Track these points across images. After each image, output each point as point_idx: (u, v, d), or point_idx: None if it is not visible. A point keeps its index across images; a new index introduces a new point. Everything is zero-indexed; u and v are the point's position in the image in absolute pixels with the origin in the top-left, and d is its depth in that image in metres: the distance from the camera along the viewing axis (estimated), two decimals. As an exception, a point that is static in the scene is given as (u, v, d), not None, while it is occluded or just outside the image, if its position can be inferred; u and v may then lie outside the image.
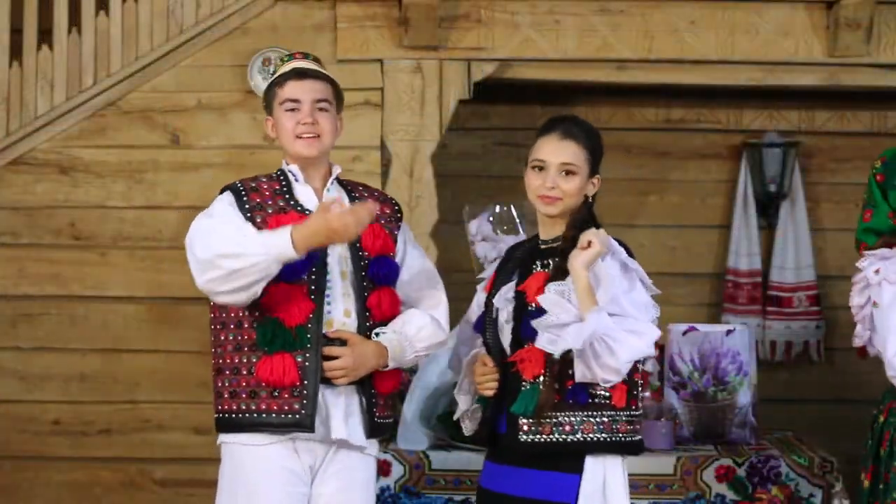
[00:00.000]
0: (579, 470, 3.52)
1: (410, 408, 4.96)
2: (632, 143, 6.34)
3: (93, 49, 5.66)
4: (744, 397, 5.16)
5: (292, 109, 3.81)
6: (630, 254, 3.61)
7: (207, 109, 5.69)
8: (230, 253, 3.59)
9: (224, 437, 3.80)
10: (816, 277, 6.29)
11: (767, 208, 6.32)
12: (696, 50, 5.69)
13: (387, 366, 3.78)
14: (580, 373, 3.46)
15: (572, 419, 3.50)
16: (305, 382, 3.68)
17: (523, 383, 3.52)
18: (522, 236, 4.71)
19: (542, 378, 3.49)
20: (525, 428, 3.52)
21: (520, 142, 6.29)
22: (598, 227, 3.60)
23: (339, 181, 3.94)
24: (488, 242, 4.86)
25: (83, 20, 5.66)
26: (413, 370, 5.21)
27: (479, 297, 3.80)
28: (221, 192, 3.86)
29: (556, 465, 3.52)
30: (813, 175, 6.37)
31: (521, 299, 3.57)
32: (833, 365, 6.38)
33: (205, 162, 5.68)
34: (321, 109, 3.83)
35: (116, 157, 5.69)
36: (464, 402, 3.75)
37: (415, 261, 4.00)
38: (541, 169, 3.62)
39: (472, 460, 4.79)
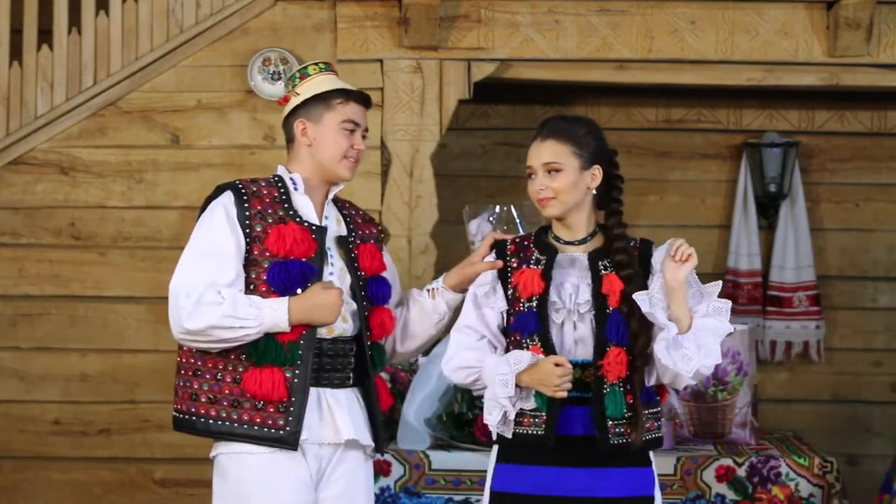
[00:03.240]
0: (649, 462, 3.61)
1: (410, 408, 4.96)
2: (632, 143, 6.34)
3: (93, 49, 5.67)
4: (744, 397, 5.16)
5: (351, 131, 3.81)
6: None
7: (207, 109, 5.69)
8: (224, 326, 3.64)
9: (220, 448, 3.75)
10: (816, 277, 6.29)
11: (767, 208, 6.32)
12: (696, 50, 5.69)
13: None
14: (655, 378, 3.55)
15: (642, 418, 3.57)
16: (293, 399, 3.67)
17: (605, 386, 3.52)
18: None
19: (620, 384, 3.52)
20: (613, 430, 3.53)
21: (520, 142, 6.28)
22: (622, 225, 3.64)
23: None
24: (488, 243, 4.85)
25: (83, 20, 5.66)
26: (413, 370, 5.21)
27: (483, 303, 3.70)
28: (219, 190, 3.79)
29: (633, 461, 3.57)
30: (813, 175, 6.37)
31: (601, 301, 3.56)
32: (833, 365, 6.38)
33: (205, 162, 5.68)
34: (364, 136, 3.87)
35: (116, 157, 5.69)
36: (505, 406, 3.57)
37: (393, 267, 4.04)
38: (532, 175, 3.65)
39: (472, 460, 4.80)
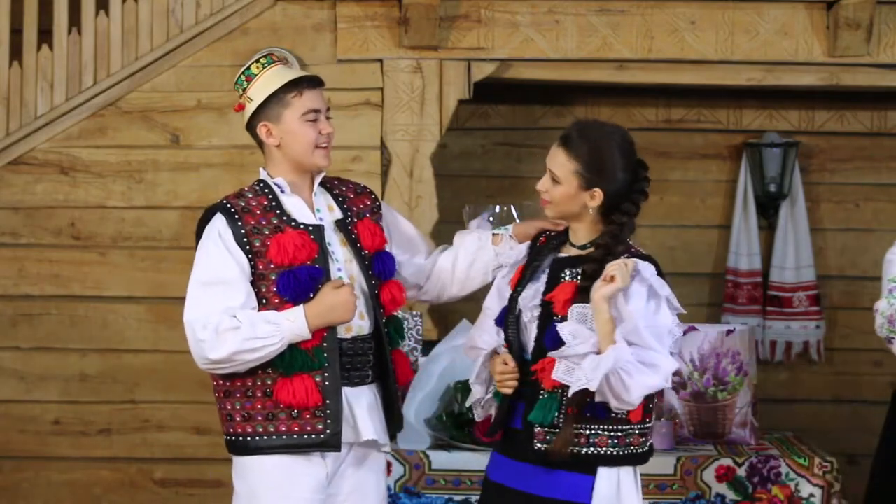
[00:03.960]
0: (593, 472, 3.53)
1: (410, 408, 4.96)
2: (632, 143, 6.33)
3: (93, 49, 5.67)
4: (744, 397, 5.16)
5: (314, 120, 3.77)
6: (659, 270, 3.58)
7: (207, 109, 5.69)
8: (247, 349, 3.63)
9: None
10: (816, 277, 6.29)
11: (767, 208, 6.32)
12: (696, 50, 5.69)
13: None
14: (599, 395, 3.47)
15: (588, 431, 3.51)
16: (328, 402, 3.67)
17: (541, 392, 3.51)
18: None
19: (559, 393, 3.48)
20: (541, 437, 3.52)
21: (520, 142, 6.29)
22: (623, 246, 3.58)
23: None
24: (488, 242, 4.86)
25: (83, 20, 5.66)
26: (413, 370, 5.21)
27: (502, 289, 3.74)
28: (208, 213, 3.76)
29: (572, 466, 3.52)
30: (813, 175, 6.37)
31: (547, 307, 3.56)
32: (833, 365, 6.38)
33: (205, 162, 5.69)
34: (328, 118, 3.82)
35: (116, 157, 5.69)
36: (478, 392, 3.73)
37: (403, 221, 4.05)
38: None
39: (472, 460, 4.79)
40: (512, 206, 4.97)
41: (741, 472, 4.84)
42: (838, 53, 5.64)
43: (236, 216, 3.70)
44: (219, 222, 3.71)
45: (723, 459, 4.86)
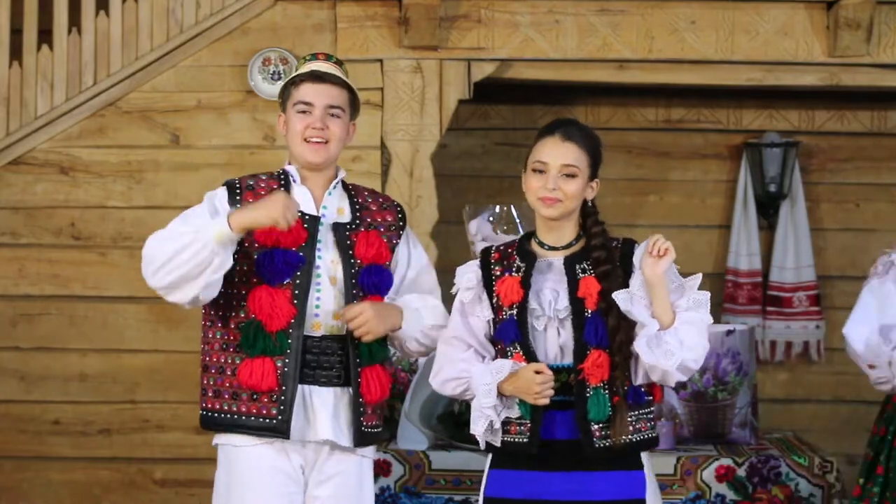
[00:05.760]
0: (640, 465, 3.58)
1: (410, 408, 4.96)
2: (632, 143, 6.35)
3: (93, 49, 5.67)
4: (744, 397, 5.16)
5: (304, 112, 3.79)
6: None
7: (207, 109, 5.69)
8: (166, 238, 3.65)
9: (218, 438, 3.80)
10: (816, 277, 6.29)
11: (767, 208, 6.32)
12: (696, 50, 5.69)
13: (401, 328, 3.79)
14: (643, 377, 3.53)
15: (632, 419, 3.55)
16: (283, 388, 3.68)
17: (587, 389, 3.52)
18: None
19: (603, 387, 3.51)
20: (598, 434, 3.52)
21: (520, 142, 6.29)
22: (605, 230, 3.64)
23: (344, 184, 3.92)
24: (488, 242, 4.86)
25: (83, 20, 5.66)
26: (413, 370, 5.21)
27: (477, 313, 3.68)
28: (220, 188, 3.85)
29: (622, 464, 3.55)
30: (813, 175, 6.38)
31: (578, 306, 3.55)
32: (833, 365, 6.37)
33: (205, 162, 5.69)
34: (333, 115, 3.80)
35: (116, 157, 5.70)
36: (492, 414, 3.59)
37: (420, 260, 4.00)
38: (541, 171, 3.61)
39: (472, 460, 4.79)
40: (512, 206, 4.97)
41: (741, 472, 4.84)
42: (838, 53, 5.64)
43: (238, 192, 3.78)
44: (220, 192, 3.80)
45: (723, 459, 4.86)
